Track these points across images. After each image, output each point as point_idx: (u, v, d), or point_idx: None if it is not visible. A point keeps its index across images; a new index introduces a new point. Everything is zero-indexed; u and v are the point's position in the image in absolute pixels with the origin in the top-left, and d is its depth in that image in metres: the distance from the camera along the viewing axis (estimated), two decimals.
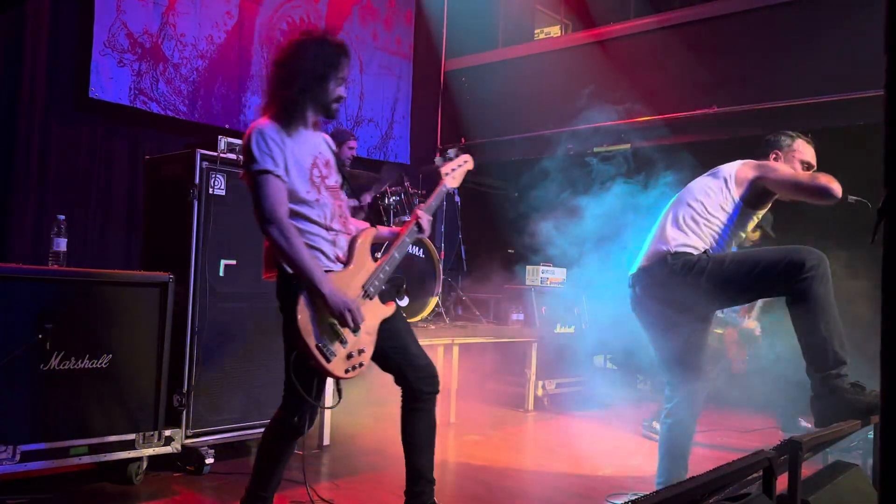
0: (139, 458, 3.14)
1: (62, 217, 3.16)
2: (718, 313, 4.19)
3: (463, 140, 7.98)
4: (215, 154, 3.44)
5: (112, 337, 3.06)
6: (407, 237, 2.58)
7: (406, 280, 4.86)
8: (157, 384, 3.20)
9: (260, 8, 6.33)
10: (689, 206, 2.91)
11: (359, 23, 7.25)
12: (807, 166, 2.99)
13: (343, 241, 2.47)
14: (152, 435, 3.17)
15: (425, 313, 5.04)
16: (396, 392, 2.56)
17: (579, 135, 7.02)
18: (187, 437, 3.32)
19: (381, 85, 7.50)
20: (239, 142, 3.56)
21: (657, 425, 4.54)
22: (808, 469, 1.91)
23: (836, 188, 2.65)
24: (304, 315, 2.27)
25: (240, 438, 3.56)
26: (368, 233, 2.55)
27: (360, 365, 2.38)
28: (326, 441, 3.92)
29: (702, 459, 3.97)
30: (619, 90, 6.71)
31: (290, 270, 2.33)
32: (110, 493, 3.02)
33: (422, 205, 2.70)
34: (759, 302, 4.83)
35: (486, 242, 6.53)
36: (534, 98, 7.32)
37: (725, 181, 2.90)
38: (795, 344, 2.65)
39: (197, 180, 3.37)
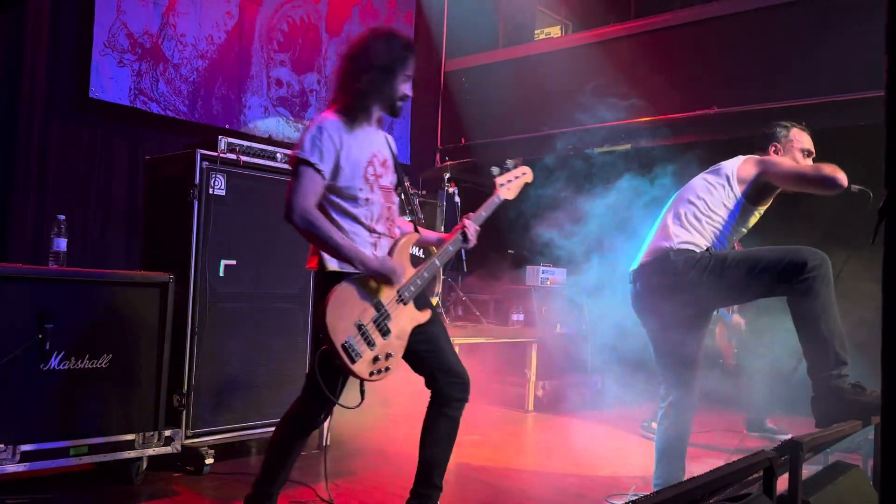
0: (139, 459, 3.14)
1: (62, 217, 3.16)
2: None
3: (463, 140, 7.97)
4: (215, 154, 3.44)
5: (112, 337, 3.07)
6: (451, 246, 2.58)
7: None
8: (157, 384, 3.20)
9: (260, 8, 6.33)
10: (691, 203, 2.91)
11: (359, 23, 7.25)
12: (807, 153, 2.99)
13: (385, 245, 2.47)
14: (152, 435, 3.17)
15: None
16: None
17: (579, 135, 7.02)
18: (187, 438, 3.31)
19: None
20: (240, 142, 3.56)
21: (656, 425, 4.55)
22: (808, 469, 1.91)
23: (842, 177, 2.64)
24: (333, 313, 2.26)
25: (240, 439, 3.56)
26: (410, 238, 2.54)
27: (387, 369, 2.37)
28: (327, 441, 3.92)
29: (701, 459, 3.97)
30: (620, 90, 6.70)
31: (326, 268, 2.34)
32: (110, 493, 3.02)
33: (470, 213, 2.68)
34: None
35: (486, 243, 6.50)
36: (534, 98, 7.31)
37: (727, 178, 2.90)
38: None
39: (197, 180, 3.37)
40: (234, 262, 3.51)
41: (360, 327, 2.30)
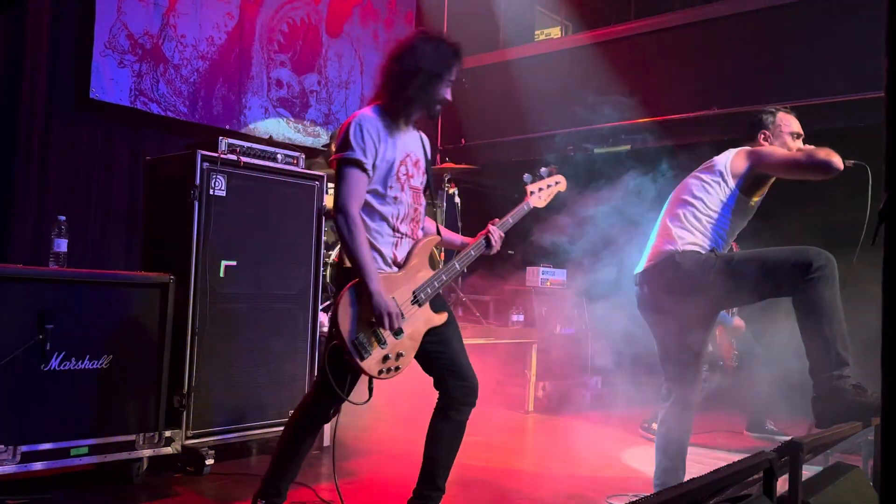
0: (139, 459, 3.14)
1: (62, 218, 3.16)
2: None
3: (463, 141, 7.97)
4: (216, 155, 3.44)
5: (112, 338, 3.07)
6: (473, 250, 2.59)
7: None
8: (157, 385, 3.20)
9: (260, 9, 6.33)
10: (689, 203, 2.90)
11: (359, 24, 7.25)
12: (796, 136, 2.98)
13: (406, 246, 2.49)
14: (152, 436, 3.17)
15: None
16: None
17: (579, 136, 7.02)
18: (187, 438, 3.31)
19: None
20: (240, 143, 3.56)
21: (656, 426, 4.55)
22: (808, 470, 1.91)
23: (836, 160, 2.63)
24: (346, 309, 2.28)
25: (240, 439, 3.56)
26: (431, 240, 2.56)
27: (396, 369, 2.38)
28: (327, 442, 3.92)
29: (701, 460, 3.97)
30: (619, 91, 6.70)
31: (348, 263, 2.36)
32: (110, 494, 3.02)
33: (496, 219, 2.68)
34: None
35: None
36: (534, 99, 7.31)
37: (721, 174, 2.89)
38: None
39: (197, 181, 3.37)
40: (234, 262, 3.51)
41: (372, 325, 2.31)
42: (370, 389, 2.45)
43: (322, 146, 6.54)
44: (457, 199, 5.85)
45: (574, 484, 3.58)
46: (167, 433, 3.22)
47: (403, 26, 7.74)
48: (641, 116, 6.49)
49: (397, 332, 2.35)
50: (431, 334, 2.47)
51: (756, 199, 2.95)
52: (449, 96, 2.52)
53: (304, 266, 3.81)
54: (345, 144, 2.35)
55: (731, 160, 2.91)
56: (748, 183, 2.86)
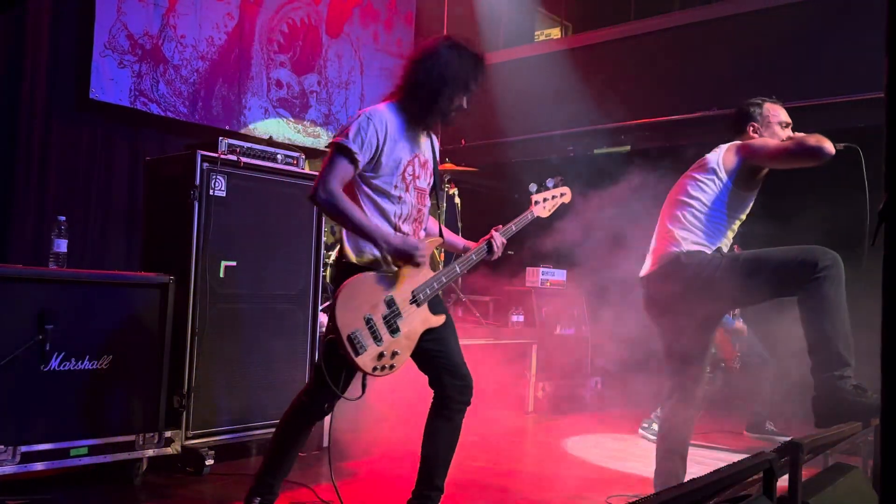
0: (139, 459, 3.14)
1: (62, 218, 3.16)
2: None
3: (463, 142, 7.97)
4: (216, 155, 3.44)
5: (112, 338, 3.07)
6: (474, 255, 2.60)
7: None
8: (157, 385, 3.20)
9: (260, 9, 6.33)
10: (687, 203, 2.90)
11: (359, 24, 7.25)
12: (785, 125, 2.98)
13: None
14: (152, 436, 3.17)
15: None
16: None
17: (579, 136, 7.02)
18: (187, 439, 3.31)
19: (382, 86, 7.50)
20: (240, 143, 3.57)
21: (657, 427, 4.55)
22: (808, 471, 1.91)
23: (828, 146, 2.61)
24: (343, 303, 2.28)
25: (240, 440, 3.56)
26: (433, 242, 2.57)
27: (391, 367, 2.38)
28: (326, 442, 3.92)
29: (701, 460, 3.97)
30: (620, 91, 6.70)
31: (346, 259, 2.38)
32: (110, 494, 3.02)
33: (499, 226, 2.69)
34: None
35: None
36: (534, 99, 7.31)
37: (714, 171, 2.89)
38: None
39: (197, 181, 3.37)
40: (234, 263, 3.51)
41: (368, 321, 2.31)
42: (363, 386, 2.46)
43: (324, 147, 6.54)
44: (457, 200, 5.86)
45: (574, 484, 3.58)
46: (167, 433, 3.22)
47: (404, 27, 7.75)
48: (642, 117, 6.50)
49: (394, 331, 2.36)
50: (428, 334, 2.47)
51: (752, 192, 2.94)
52: (465, 105, 2.52)
53: (304, 266, 3.81)
54: (345, 131, 2.37)
55: (722, 156, 2.91)
56: (742, 176, 2.86)
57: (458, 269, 2.55)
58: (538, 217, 2.83)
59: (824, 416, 2.55)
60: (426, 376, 2.55)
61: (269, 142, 3.84)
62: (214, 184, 3.43)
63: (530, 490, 3.47)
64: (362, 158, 2.35)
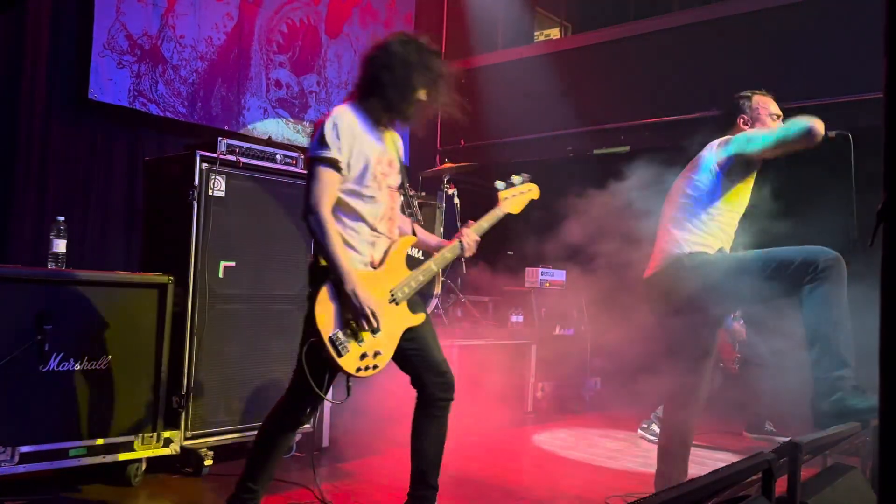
0: (138, 460, 3.14)
1: (61, 218, 3.16)
2: None
3: (462, 142, 7.98)
4: (215, 155, 3.43)
5: (111, 338, 3.06)
6: (448, 253, 2.59)
7: None
8: (156, 386, 3.20)
9: (259, 10, 6.33)
10: (684, 204, 2.90)
11: (359, 25, 7.25)
12: (776, 117, 2.98)
13: (383, 245, 2.49)
14: (151, 437, 3.17)
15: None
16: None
17: (579, 136, 7.02)
18: (186, 439, 3.31)
19: None
20: (239, 143, 3.56)
21: (656, 427, 4.55)
22: (807, 471, 1.91)
23: (817, 126, 2.60)
24: (323, 306, 2.28)
25: (239, 440, 3.56)
26: (408, 241, 2.56)
27: (374, 367, 2.38)
28: (325, 443, 3.92)
29: (700, 461, 3.97)
30: (619, 92, 6.71)
31: (321, 262, 2.36)
32: (109, 495, 3.02)
33: (471, 222, 2.69)
34: None
35: (485, 244, 6.53)
36: (533, 100, 7.32)
37: (710, 167, 2.89)
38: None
39: (196, 182, 3.37)
40: (233, 263, 3.51)
41: (349, 322, 2.31)
42: (348, 388, 2.46)
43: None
44: (456, 200, 5.85)
45: (573, 484, 3.58)
46: (166, 434, 3.21)
47: (403, 27, 7.75)
48: (641, 117, 6.50)
49: (375, 331, 2.36)
50: (406, 333, 2.47)
51: (747, 184, 2.94)
52: (424, 97, 2.50)
53: (303, 267, 3.75)
54: (320, 142, 2.33)
55: (715, 150, 2.91)
56: (740, 169, 2.86)
57: (433, 266, 2.55)
58: (508, 213, 2.83)
59: (823, 416, 2.55)
60: (407, 376, 2.54)
61: (269, 142, 3.83)
62: (213, 184, 3.42)
63: (529, 490, 3.46)
64: (344, 162, 2.33)
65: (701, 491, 1.48)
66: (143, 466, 3.17)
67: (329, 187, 2.32)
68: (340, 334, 2.29)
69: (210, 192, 3.41)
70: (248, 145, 3.60)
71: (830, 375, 2.53)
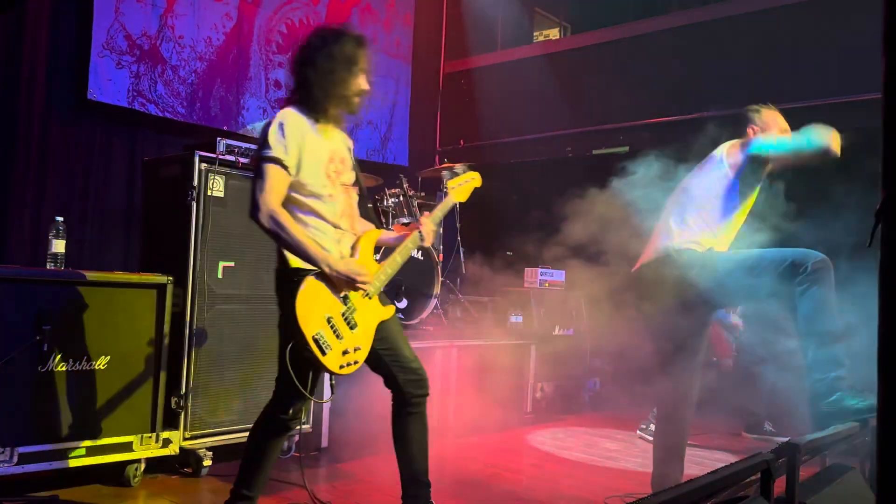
0: (137, 461, 3.14)
1: (60, 219, 3.16)
2: None
3: (462, 142, 7.98)
4: (214, 156, 3.44)
5: (110, 339, 3.06)
6: (409, 243, 2.61)
7: (404, 282, 4.85)
8: (155, 386, 3.19)
9: (259, 10, 6.33)
10: (689, 201, 2.92)
11: (358, 25, 7.25)
12: (784, 132, 3.00)
13: (348, 241, 2.50)
14: (150, 437, 3.17)
15: (424, 315, 5.04)
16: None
17: (578, 137, 7.03)
18: (185, 440, 3.31)
19: (381, 87, 7.51)
20: (238, 143, 3.56)
21: (654, 427, 4.55)
22: (806, 471, 1.91)
23: (834, 145, 2.63)
24: (303, 306, 2.28)
25: (238, 441, 3.55)
26: (373, 234, 2.58)
27: (356, 362, 2.40)
28: (325, 443, 3.92)
29: (699, 461, 3.97)
30: (618, 92, 6.71)
31: (289, 265, 2.36)
32: (108, 496, 3.01)
33: (427, 213, 2.72)
34: None
35: (484, 245, 6.55)
36: (532, 100, 7.32)
37: (718, 167, 2.90)
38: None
39: (195, 182, 3.37)
40: (232, 263, 3.51)
41: (329, 320, 2.32)
42: (332, 387, 2.50)
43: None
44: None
45: (572, 485, 3.58)
46: (165, 434, 3.21)
47: (402, 27, 7.75)
48: (640, 117, 6.50)
49: (353, 326, 2.37)
50: (377, 331, 2.48)
51: (754, 188, 2.95)
52: (365, 86, 2.49)
53: None
54: (265, 143, 2.32)
55: (727, 151, 2.93)
56: (747, 172, 2.88)
57: (398, 258, 2.57)
58: (458, 203, 2.93)
59: (821, 417, 2.56)
60: (380, 377, 2.55)
61: None
62: (212, 184, 3.42)
63: (528, 490, 3.47)
64: (291, 163, 2.32)
65: (699, 491, 1.48)
66: (142, 467, 3.17)
67: (277, 184, 2.30)
68: (322, 333, 2.30)
69: (209, 193, 3.41)
70: (247, 145, 3.60)
71: (827, 376, 2.54)
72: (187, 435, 3.32)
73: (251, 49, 6.26)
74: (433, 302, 5.08)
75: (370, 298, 2.45)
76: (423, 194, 5.49)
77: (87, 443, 2.97)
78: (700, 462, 3.97)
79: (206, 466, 3.32)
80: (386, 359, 2.50)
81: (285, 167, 2.31)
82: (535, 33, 8.78)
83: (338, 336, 2.34)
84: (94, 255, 5.23)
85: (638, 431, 4.76)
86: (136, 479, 3.14)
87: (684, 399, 2.93)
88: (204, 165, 3.40)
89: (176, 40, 5.71)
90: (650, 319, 3.00)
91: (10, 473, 2.75)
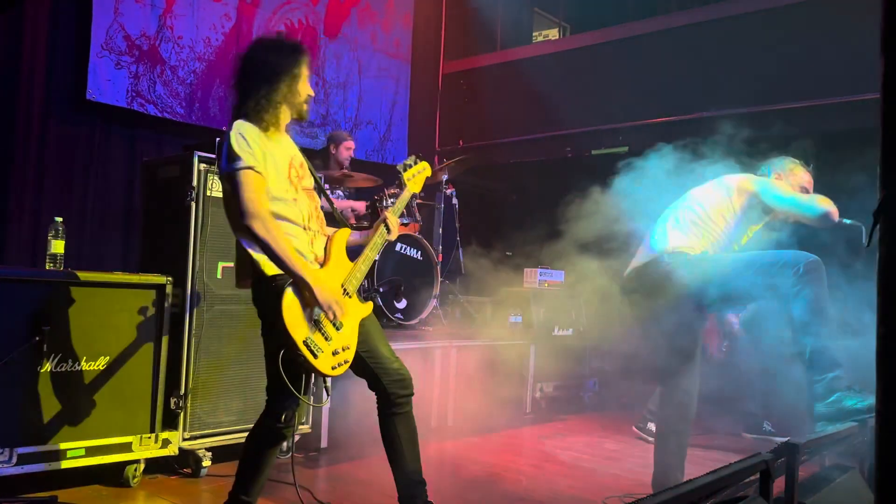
0: (136, 461, 3.14)
1: (59, 219, 3.15)
2: None
3: (461, 142, 7.98)
4: (213, 156, 3.43)
5: (109, 339, 3.06)
6: (378, 238, 2.62)
7: (404, 282, 4.85)
8: (154, 387, 3.19)
9: (258, 10, 6.33)
10: (691, 209, 2.95)
11: (357, 25, 7.25)
12: (804, 192, 3.04)
13: (320, 242, 2.51)
14: (149, 438, 3.16)
15: (423, 315, 5.04)
16: None
17: (577, 137, 7.03)
18: (184, 440, 3.31)
19: (380, 87, 7.51)
20: None
21: (652, 426, 4.55)
22: (805, 471, 1.91)
23: (833, 211, 2.75)
24: (290, 313, 2.27)
25: (238, 441, 3.55)
26: (344, 233, 2.59)
27: (346, 361, 2.41)
28: (324, 444, 3.92)
29: (698, 461, 3.97)
30: (617, 92, 6.71)
31: (266, 273, 2.34)
32: (107, 496, 3.01)
33: (388, 208, 2.75)
34: None
35: (484, 245, 6.55)
36: (532, 100, 7.32)
37: (729, 191, 2.95)
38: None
39: (194, 182, 3.37)
40: (231, 264, 3.50)
41: (316, 323, 2.32)
42: (327, 389, 2.50)
43: (321, 147, 6.54)
44: (454, 201, 5.85)
45: (571, 485, 3.58)
46: (164, 435, 3.21)
47: (401, 28, 7.75)
48: (640, 118, 6.50)
49: (338, 327, 2.38)
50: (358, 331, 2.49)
51: (754, 227, 3.00)
52: (311, 91, 2.51)
53: None
54: (231, 155, 2.30)
55: (739, 180, 2.99)
56: (751, 209, 2.94)
57: (369, 254, 2.58)
58: (415, 193, 2.94)
59: (821, 417, 2.56)
60: (363, 379, 2.55)
61: None
62: (212, 185, 3.42)
63: (528, 491, 3.46)
64: (262, 169, 2.31)
65: (699, 491, 1.48)
66: (142, 467, 3.17)
67: (260, 190, 2.29)
68: (311, 337, 2.30)
69: (208, 193, 3.40)
70: None
71: (825, 377, 2.55)
72: (186, 435, 3.32)
73: None
74: (432, 302, 5.08)
75: (349, 297, 2.46)
76: (422, 195, 5.49)
77: (87, 443, 2.97)
78: (699, 462, 3.96)
79: (205, 467, 3.32)
80: (366, 363, 2.49)
81: (259, 172, 2.31)
82: (534, 33, 8.78)
83: (326, 338, 2.34)
84: (94, 255, 5.23)
85: (634, 428, 4.74)
86: (136, 480, 3.14)
87: (683, 398, 2.94)
88: (203, 166, 3.40)
89: (175, 41, 5.71)
90: (646, 322, 3.01)
91: (9, 474, 2.75)
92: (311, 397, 2.67)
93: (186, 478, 3.31)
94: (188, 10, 5.77)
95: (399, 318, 4.82)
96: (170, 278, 3.25)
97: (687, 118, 6.09)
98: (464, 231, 6.04)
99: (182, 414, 3.30)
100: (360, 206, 5.57)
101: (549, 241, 4.92)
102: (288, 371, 2.31)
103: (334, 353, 2.36)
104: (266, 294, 2.36)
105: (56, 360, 2.89)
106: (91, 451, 2.98)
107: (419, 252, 5.08)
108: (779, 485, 1.73)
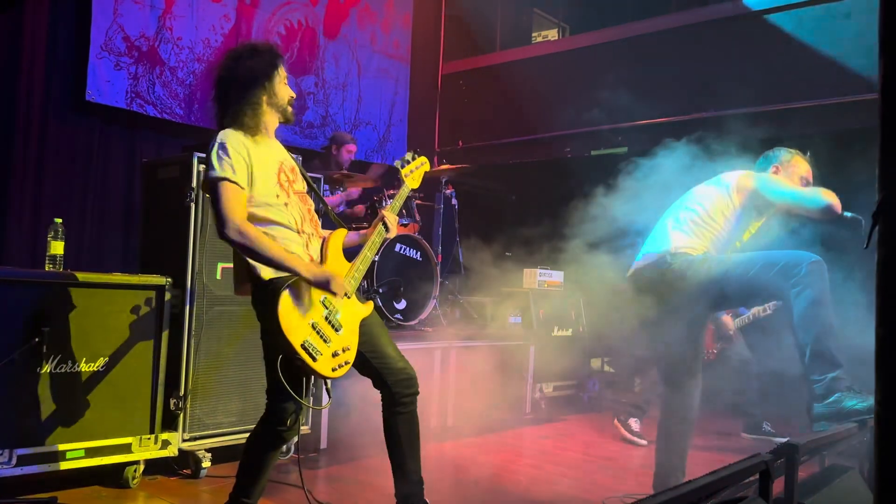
0: (136, 462, 3.13)
1: (59, 220, 3.15)
2: None
3: (461, 143, 7.98)
4: None
5: (109, 340, 3.06)
6: (376, 237, 2.62)
7: (403, 283, 4.85)
8: (153, 388, 3.19)
9: (257, 11, 6.33)
10: (691, 209, 2.95)
11: (357, 26, 7.25)
12: (804, 182, 3.02)
13: (316, 244, 2.51)
14: (149, 438, 3.16)
15: (423, 315, 5.04)
16: None
17: (577, 138, 7.03)
18: (184, 441, 3.31)
19: (379, 88, 7.51)
20: None
21: (634, 425, 4.55)
22: (805, 472, 1.91)
23: (836, 203, 2.70)
24: (286, 316, 2.27)
25: (237, 442, 3.55)
26: (340, 233, 2.59)
27: (347, 363, 2.41)
28: (324, 444, 3.92)
29: (698, 461, 3.97)
30: (617, 93, 6.71)
31: (262, 278, 2.34)
32: (107, 497, 3.01)
33: (386, 206, 2.74)
34: None
35: (483, 245, 6.55)
36: (531, 101, 7.32)
37: (727, 189, 2.94)
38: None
39: (194, 183, 3.37)
40: (231, 265, 3.50)
41: (314, 326, 2.32)
42: (328, 391, 2.50)
43: (320, 148, 6.54)
44: (454, 202, 5.85)
45: (571, 485, 3.58)
46: (163, 436, 3.21)
47: (401, 28, 7.75)
48: (639, 118, 6.50)
49: (337, 328, 2.38)
50: (360, 329, 2.48)
51: (756, 223, 2.99)
52: (292, 93, 2.52)
53: None
54: (209, 165, 2.32)
55: (739, 177, 2.96)
56: (751, 205, 2.92)
57: (368, 253, 2.57)
58: (413, 189, 2.93)
59: (820, 417, 2.56)
60: (369, 379, 2.55)
61: None
62: None
63: (527, 491, 3.46)
64: (241, 181, 2.31)
65: (698, 492, 1.48)
66: (141, 468, 3.17)
67: (234, 200, 2.29)
68: (310, 339, 2.29)
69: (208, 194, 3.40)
70: None
71: (825, 377, 2.54)
72: (186, 436, 3.32)
73: None
74: (432, 303, 5.08)
75: (348, 297, 2.46)
76: (421, 195, 5.49)
77: (86, 444, 2.97)
78: (699, 462, 3.96)
79: (204, 468, 3.31)
80: (372, 363, 2.49)
81: (236, 183, 2.31)
82: (533, 34, 8.78)
83: (325, 340, 2.33)
84: (93, 256, 5.23)
85: (615, 422, 4.71)
86: (135, 481, 3.14)
87: (684, 400, 2.94)
88: (202, 167, 3.39)
89: (174, 42, 5.71)
90: (648, 323, 3.00)
91: (8, 475, 2.75)
92: (311, 399, 2.66)
93: (186, 479, 3.31)
94: (187, 12, 5.77)
95: (399, 319, 4.82)
96: (169, 279, 3.25)
97: (687, 119, 6.09)
98: (463, 231, 6.04)
99: (181, 415, 3.30)
100: (359, 210, 5.59)
101: (549, 242, 4.93)
102: (287, 374, 2.31)
103: (334, 355, 2.35)
104: (262, 298, 2.36)
105: (55, 361, 2.89)
106: (91, 453, 2.98)
107: (419, 252, 5.08)
108: (778, 485, 1.73)
